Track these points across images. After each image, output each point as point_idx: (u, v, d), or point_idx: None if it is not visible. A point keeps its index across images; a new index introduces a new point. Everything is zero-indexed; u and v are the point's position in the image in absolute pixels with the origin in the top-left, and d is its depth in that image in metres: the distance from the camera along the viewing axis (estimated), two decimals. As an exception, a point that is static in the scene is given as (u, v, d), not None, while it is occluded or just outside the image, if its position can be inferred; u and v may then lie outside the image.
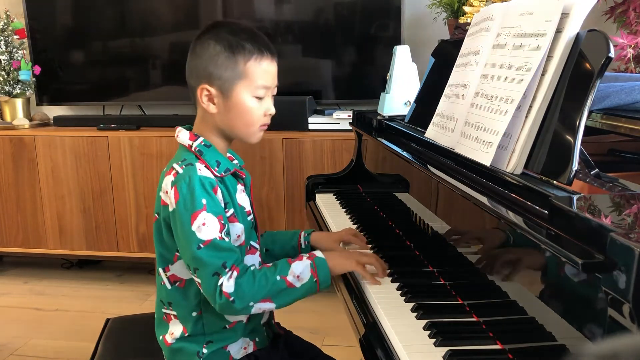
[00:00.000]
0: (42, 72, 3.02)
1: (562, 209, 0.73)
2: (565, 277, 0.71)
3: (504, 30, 1.06)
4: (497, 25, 1.10)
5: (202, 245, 1.06)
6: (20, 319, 2.58)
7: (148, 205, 2.77)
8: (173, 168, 1.13)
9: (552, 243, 0.72)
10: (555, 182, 0.84)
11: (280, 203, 2.67)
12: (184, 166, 1.12)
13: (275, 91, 1.19)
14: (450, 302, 1.02)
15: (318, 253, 1.14)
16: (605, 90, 1.16)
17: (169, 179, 1.12)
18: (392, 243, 1.36)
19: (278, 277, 1.08)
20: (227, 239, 1.09)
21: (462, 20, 2.28)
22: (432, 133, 1.25)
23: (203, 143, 1.16)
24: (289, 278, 1.09)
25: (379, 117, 1.69)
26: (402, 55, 1.73)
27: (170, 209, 1.10)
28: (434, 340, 0.89)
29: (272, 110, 1.18)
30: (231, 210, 1.15)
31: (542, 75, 0.93)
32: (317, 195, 1.81)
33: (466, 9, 2.27)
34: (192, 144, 1.15)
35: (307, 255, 1.13)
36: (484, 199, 0.94)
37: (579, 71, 0.88)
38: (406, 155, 1.33)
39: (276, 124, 2.43)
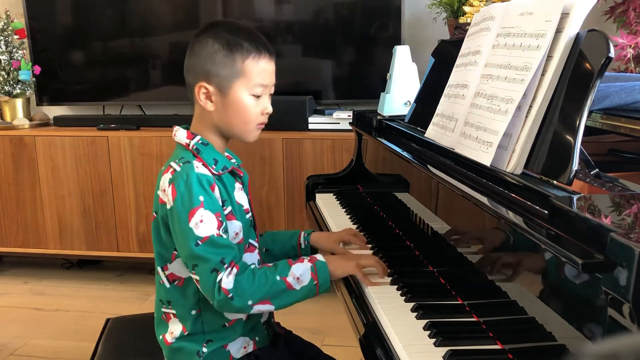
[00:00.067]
0: (42, 72, 3.02)
1: (562, 209, 0.73)
2: (565, 277, 0.71)
3: (504, 30, 1.06)
4: (497, 25, 1.10)
5: (200, 242, 1.06)
6: (20, 319, 2.58)
7: (148, 205, 2.77)
8: (171, 166, 1.13)
9: (552, 243, 0.72)
10: (555, 182, 0.84)
11: (280, 203, 2.67)
12: (181, 164, 1.12)
13: (272, 90, 1.19)
14: (450, 302, 1.02)
15: (319, 256, 1.14)
16: (605, 90, 1.16)
17: (166, 177, 1.12)
18: (392, 243, 1.36)
19: (278, 278, 1.08)
20: (225, 236, 1.10)
21: (462, 20, 2.28)
22: (432, 133, 1.25)
23: (200, 141, 1.16)
24: (289, 279, 1.09)
25: (379, 117, 1.69)
26: (402, 55, 1.73)
27: (168, 207, 1.10)
28: (434, 340, 0.89)
29: (270, 109, 1.18)
30: (229, 208, 1.15)
31: (542, 75, 0.93)
32: (317, 195, 1.81)
33: (466, 9, 2.27)
34: (190, 142, 1.16)
35: (308, 258, 1.13)
36: (484, 199, 0.94)
37: (579, 71, 0.88)
38: (406, 155, 1.33)
39: (276, 124, 2.47)
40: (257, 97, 1.16)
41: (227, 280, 1.05)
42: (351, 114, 2.20)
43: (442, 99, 1.26)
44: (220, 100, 1.14)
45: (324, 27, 2.82)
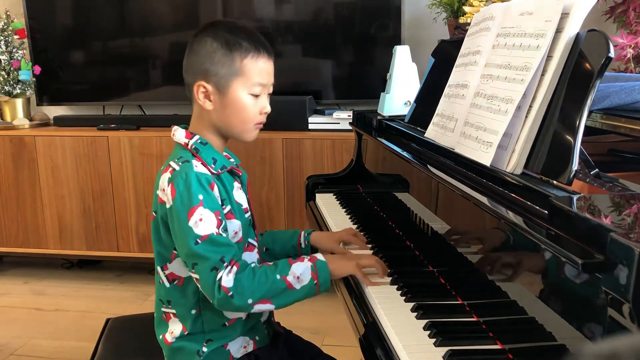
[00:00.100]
0: (42, 72, 3.02)
1: (562, 209, 0.73)
2: (565, 277, 0.71)
3: (504, 30, 1.06)
4: (497, 25, 1.10)
5: (199, 241, 1.06)
6: (20, 319, 2.58)
7: (148, 205, 2.77)
8: (170, 166, 1.14)
9: (552, 243, 0.72)
10: (555, 182, 0.84)
11: (280, 203, 2.67)
12: (180, 163, 1.12)
13: (271, 89, 1.20)
14: (450, 302, 1.02)
15: (319, 256, 1.14)
16: (605, 90, 1.17)
17: (165, 177, 1.12)
18: (392, 243, 1.36)
19: (278, 276, 1.08)
20: (224, 235, 1.10)
21: (462, 20, 2.28)
22: (432, 133, 1.25)
23: (199, 141, 1.16)
24: (289, 278, 1.09)
25: (379, 117, 1.69)
26: (402, 55, 1.73)
27: (168, 206, 1.11)
28: (434, 340, 0.89)
29: (268, 109, 1.18)
30: (228, 207, 1.15)
31: (542, 75, 0.93)
32: (317, 195, 1.81)
33: (466, 9, 2.27)
34: (188, 141, 1.16)
35: (308, 257, 1.13)
36: (484, 199, 0.94)
37: (579, 71, 0.88)
38: (406, 155, 1.33)
39: (276, 124, 2.47)
40: (256, 96, 1.16)
41: (227, 278, 1.05)
42: (351, 114, 2.20)
43: (442, 99, 1.26)
44: (218, 100, 1.14)
45: (324, 27, 2.82)
